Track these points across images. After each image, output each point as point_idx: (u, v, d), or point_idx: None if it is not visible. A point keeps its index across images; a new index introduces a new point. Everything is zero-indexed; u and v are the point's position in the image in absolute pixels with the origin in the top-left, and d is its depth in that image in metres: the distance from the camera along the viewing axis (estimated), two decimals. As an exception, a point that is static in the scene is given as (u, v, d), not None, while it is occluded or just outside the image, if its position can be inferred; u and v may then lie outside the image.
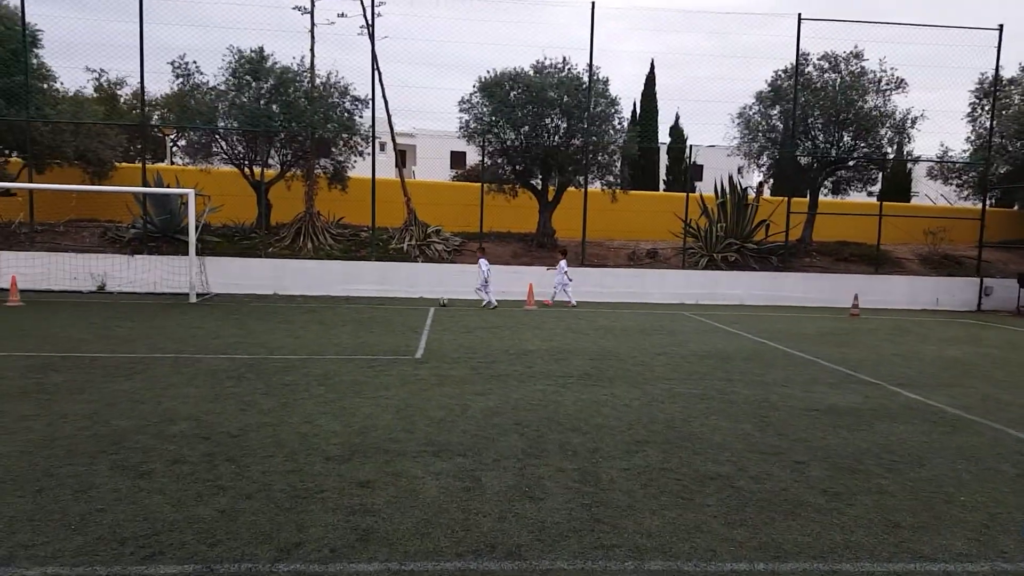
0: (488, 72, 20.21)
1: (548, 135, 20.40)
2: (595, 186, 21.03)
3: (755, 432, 6.70)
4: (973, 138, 24.06)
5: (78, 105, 20.58)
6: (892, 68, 21.61)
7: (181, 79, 19.19)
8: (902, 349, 12.35)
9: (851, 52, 21.61)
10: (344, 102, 20.11)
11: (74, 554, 3.91)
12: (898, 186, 28.80)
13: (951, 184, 24.94)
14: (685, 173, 29.54)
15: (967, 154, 24.12)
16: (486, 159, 21.16)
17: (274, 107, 19.21)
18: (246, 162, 20.00)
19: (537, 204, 21.27)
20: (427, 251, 19.68)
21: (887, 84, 21.60)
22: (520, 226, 22.03)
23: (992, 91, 22.13)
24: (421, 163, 34.05)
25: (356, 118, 20.21)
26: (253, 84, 19.27)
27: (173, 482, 4.98)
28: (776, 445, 6.31)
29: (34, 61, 18.98)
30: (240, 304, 15.83)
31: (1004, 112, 22.96)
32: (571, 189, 21.02)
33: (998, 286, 20.35)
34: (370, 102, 19.70)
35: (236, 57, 19.14)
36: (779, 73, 22.26)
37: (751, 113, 22.74)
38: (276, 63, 19.48)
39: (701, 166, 32.91)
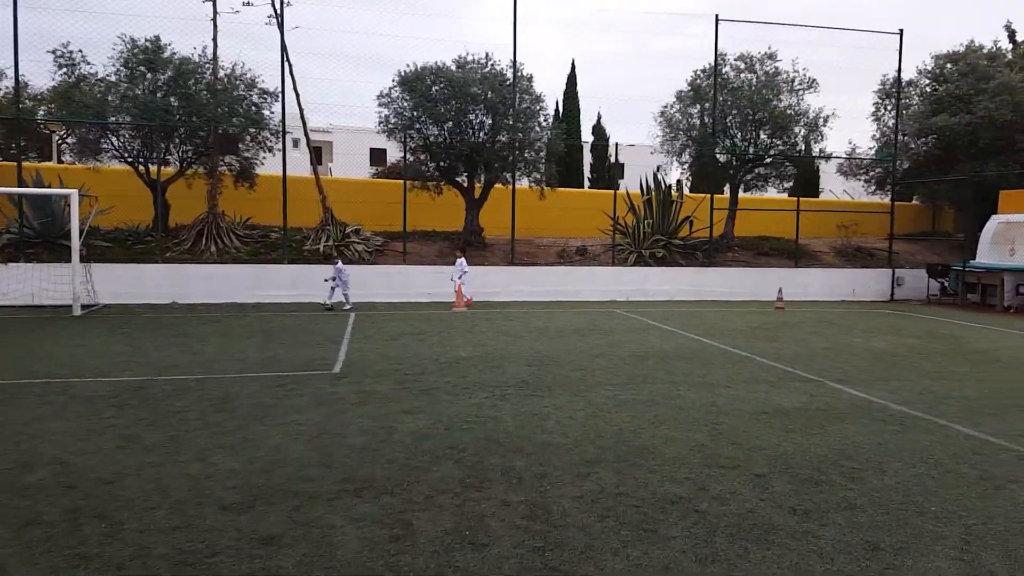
0: (408, 66, 19.32)
1: (473, 131, 19.68)
2: (523, 183, 20.48)
3: (709, 442, 6.22)
4: (878, 136, 25.26)
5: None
6: (804, 69, 22.30)
7: (65, 69, 17.52)
8: (831, 342, 12.38)
9: (765, 53, 22.11)
10: (251, 95, 18.90)
11: None
12: (807, 183, 29.93)
13: (859, 180, 26.08)
14: (609, 171, 29.52)
15: (872, 151, 25.25)
16: (408, 156, 20.24)
17: (172, 100, 17.75)
18: (141, 159, 18.36)
19: (463, 202, 20.51)
20: (346, 252, 18.51)
21: (800, 84, 22.22)
22: (446, 224, 21.18)
23: (896, 92, 23.18)
24: (339, 160, 32.50)
25: (265, 112, 19.03)
26: (148, 76, 17.84)
27: (19, 552, 3.93)
28: (733, 456, 5.85)
29: None
30: (131, 316, 14.28)
31: (905, 112, 24.12)
32: (498, 186, 20.38)
33: (909, 276, 21.25)
34: (280, 95, 18.43)
35: (129, 47, 17.69)
36: (698, 73, 22.52)
37: (672, 112, 22.90)
38: (175, 53, 18.09)
39: (623, 164, 33.02)
